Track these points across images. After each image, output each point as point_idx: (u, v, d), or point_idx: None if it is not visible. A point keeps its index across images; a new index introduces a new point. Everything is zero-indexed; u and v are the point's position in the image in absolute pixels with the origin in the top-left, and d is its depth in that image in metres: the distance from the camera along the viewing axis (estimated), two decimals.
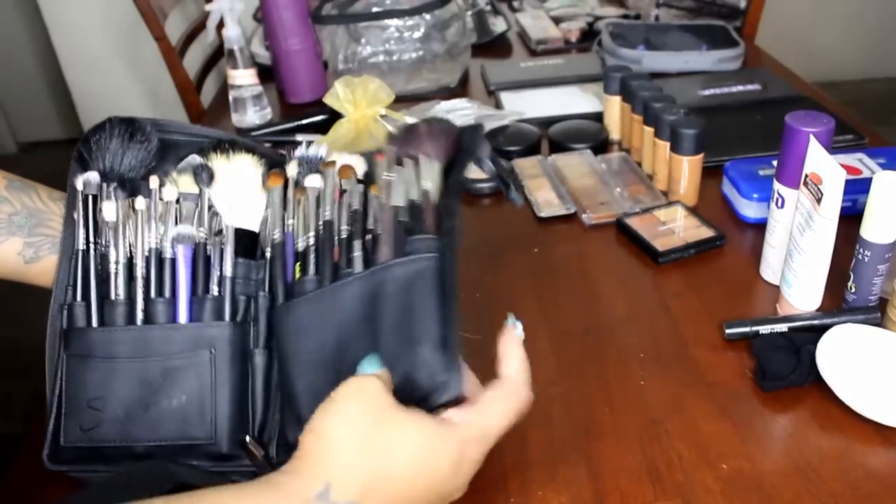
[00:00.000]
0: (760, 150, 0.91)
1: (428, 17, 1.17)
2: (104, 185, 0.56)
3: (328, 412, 0.42)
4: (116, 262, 0.54)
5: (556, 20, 1.48)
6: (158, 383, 0.52)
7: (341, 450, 0.41)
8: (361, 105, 0.90)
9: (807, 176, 0.61)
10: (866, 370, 0.57)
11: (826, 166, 0.58)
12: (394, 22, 1.16)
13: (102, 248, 0.55)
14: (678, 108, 0.86)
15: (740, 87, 1.11)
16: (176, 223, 0.55)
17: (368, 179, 0.57)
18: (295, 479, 0.41)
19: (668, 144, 0.85)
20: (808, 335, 0.62)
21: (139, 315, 0.53)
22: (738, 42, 1.23)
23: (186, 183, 0.56)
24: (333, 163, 0.58)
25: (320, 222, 0.55)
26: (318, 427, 0.42)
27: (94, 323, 0.53)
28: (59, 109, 2.94)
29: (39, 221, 0.55)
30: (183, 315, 0.53)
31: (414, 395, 0.46)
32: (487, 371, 0.64)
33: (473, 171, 0.58)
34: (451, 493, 0.45)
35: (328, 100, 0.91)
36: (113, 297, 0.53)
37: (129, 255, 0.54)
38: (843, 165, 0.58)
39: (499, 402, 0.47)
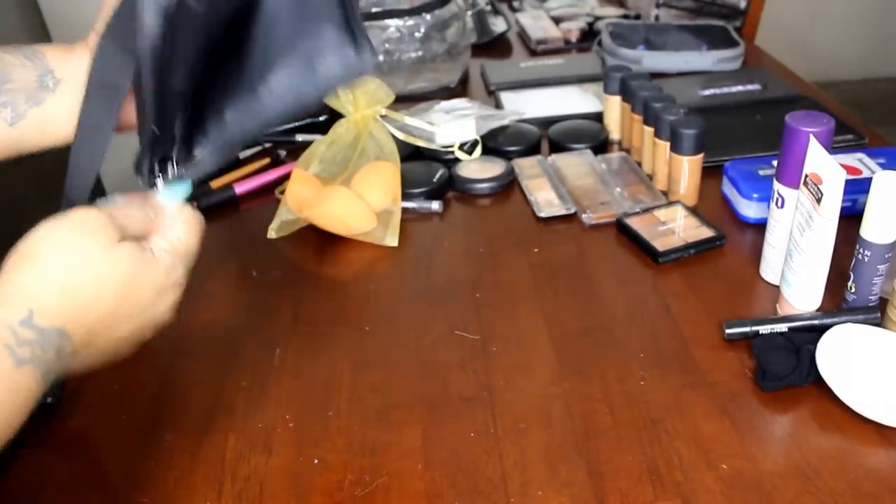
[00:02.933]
0: (760, 150, 0.91)
1: (428, 17, 1.17)
2: None
3: (42, 236, 0.42)
4: None
5: (556, 20, 1.48)
6: None
7: (47, 279, 0.41)
8: (361, 105, 0.90)
9: (807, 176, 0.61)
10: (866, 370, 0.57)
11: (826, 166, 0.58)
12: (394, 22, 1.16)
13: None
14: (678, 108, 0.86)
15: (740, 87, 1.11)
16: None
17: None
18: None
19: (668, 144, 0.85)
20: (808, 335, 0.62)
21: None
22: (738, 42, 1.23)
23: None
24: None
25: None
26: (29, 250, 0.42)
27: None
28: None
29: (2, 78, 0.51)
30: None
31: (320, 77, 0.46)
32: (485, 369, 0.64)
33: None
34: (154, 315, 0.46)
35: (328, 100, 0.91)
36: None
37: None
38: (843, 165, 0.58)
39: (184, 215, 0.48)
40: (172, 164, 0.48)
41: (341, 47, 0.46)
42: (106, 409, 0.63)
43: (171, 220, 0.48)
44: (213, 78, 0.48)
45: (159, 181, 0.48)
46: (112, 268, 0.43)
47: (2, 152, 0.54)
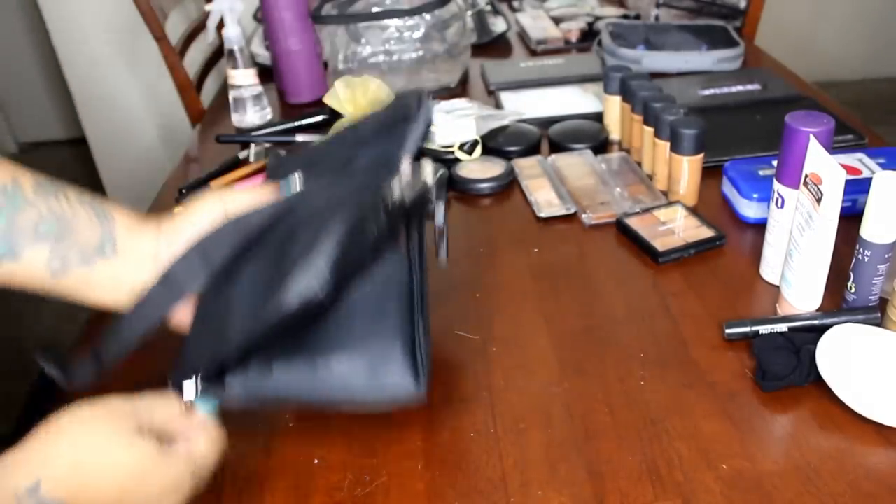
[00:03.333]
0: (760, 150, 0.91)
1: (428, 17, 1.17)
2: None
3: (68, 417, 0.45)
4: None
5: (556, 20, 1.48)
6: None
7: (60, 452, 0.43)
8: (361, 105, 0.90)
9: (807, 176, 0.61)
10: (866, 370, 0.57)
11: (826, 166, 0.58)
12: (394, 22, 1.16)
13: None
14: (678, 108, 0.86)
15: (740, 87, 1.11)
16: None
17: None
18: (6, 471, 0.42)
19: (668, 144, 0.85)
20: (808, 335, 0.62)
21: None
22: (738, 42, 1.23)
23: None
24: None
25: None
26: (53, 426, 0.44)
27: None
28: (59, 109, 2.94)
29: (67, 229, 0.52)
30: None
31: (377, 385, 0.49)
32: (485, 369, 0.64)
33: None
34: None
35: (328, 100, 0.91)
36: None
37: None
38: (843, 165, 0.58)
39: (209, 430, 0.50)
40: (197, 379, 0.50)
41: (404, 372, 0.49)
42: None
43: (196, 428, 0.49)
44: (281, 331, 0.49)
45: (187, 386, 0.49)
46: (125, 458, 0.44)
47: (31, 287, 0.54)
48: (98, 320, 0.56)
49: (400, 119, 0.55)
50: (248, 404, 0.51)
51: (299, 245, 0.48)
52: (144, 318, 0.54)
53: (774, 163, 0.81)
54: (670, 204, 0.84)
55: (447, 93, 1.21)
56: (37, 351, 0.54)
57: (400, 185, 0.51)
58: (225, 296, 0.51)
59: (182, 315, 0.56)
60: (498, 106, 1.14)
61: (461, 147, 0.97)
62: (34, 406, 0.57)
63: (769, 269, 0.73)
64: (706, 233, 0.79)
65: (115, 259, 0.54)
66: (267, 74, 1.28)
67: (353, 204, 0.48)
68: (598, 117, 1.05)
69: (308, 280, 0.43)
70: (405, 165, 0.52)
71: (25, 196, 0.52)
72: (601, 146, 0.99)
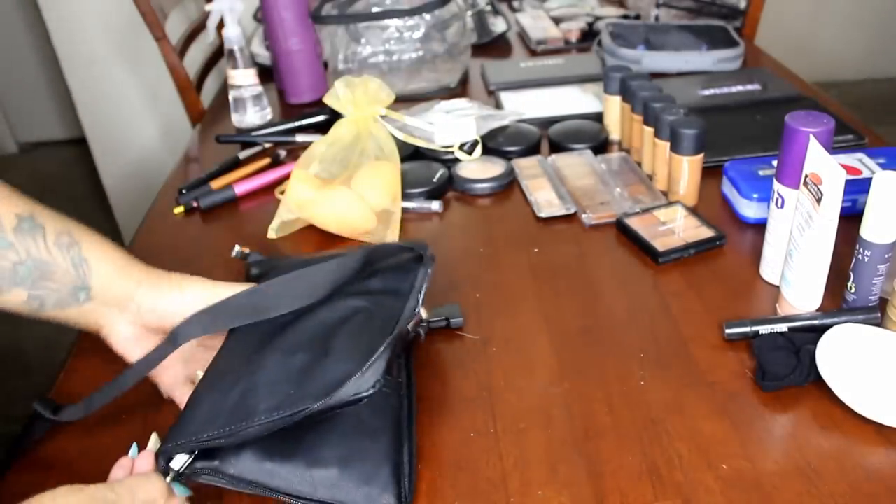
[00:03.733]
0: (760, 150, 0.91)
1: (428, 17, 1.17)
2: None
3: (52, 494, 0.44)
4: None
5: (556, 20, 1.48)
6: None
7: None
8: (361, 105, 0.90)
9: (807, 176, 0.61)
10: (866, 370, 0.57)
11: (826, 166, 0.58)
12: (394, 22, 1.16)
13: None
14: (678, 108, 0.86)
15: (740, 87, 1.11)
16: None
17: None
18: None
19: (668, 144, 0.85)
20: (808, 335, 0.62)
21: None
22: (737, 42, 1.23)
23: None
24: None
25: None
26: (36, 500, 0.44)
27: None
28: (59, 109, 2.94)
29: (43, 273, 0.54)
30: None
31: None
32: (485, 369, 0.64)
33: None
34: None
35: (328, 100, 0.91)
36: None
37: None
38: (843, 165, 0.58)
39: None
40: (189, 457, 0.51)
41: (389, 496, 0.52)
42: (106, 412, 0.63)
43: None
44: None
45: (178, 459, 0.50)
46: None
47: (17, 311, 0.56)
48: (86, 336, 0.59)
49: (410, 259, 0.64)
50: (235, 486, 0.51)
51: (341, 342, 0.54)
52: (138, 372, 0.57)
53: (774, 163, 0.81)
54: (670, 204, 0.84)
55: (447, 93, 1.21)
56: (35, 402, 0.58)
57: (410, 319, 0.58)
58: (247, 378, 0.53)
59: (166, 371, 0.59)
60: (498, 106, 1.14)
61: (461, 147, 0.97)
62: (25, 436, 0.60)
63: (769, 269, 0.73)
64: (706, 233, 0.79)
65: (88, 305, 0.56)
66: (267, 74, 1.28)
67: (398, 321, 0.56)
68: (598, 117, 1.05)
69: (367, 379, 0.50)
70: (419, 306, 0.59)
71: (6, 236, 0.53)
72: (601, 146, 0.99)
